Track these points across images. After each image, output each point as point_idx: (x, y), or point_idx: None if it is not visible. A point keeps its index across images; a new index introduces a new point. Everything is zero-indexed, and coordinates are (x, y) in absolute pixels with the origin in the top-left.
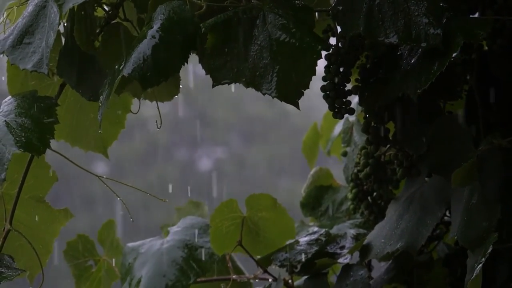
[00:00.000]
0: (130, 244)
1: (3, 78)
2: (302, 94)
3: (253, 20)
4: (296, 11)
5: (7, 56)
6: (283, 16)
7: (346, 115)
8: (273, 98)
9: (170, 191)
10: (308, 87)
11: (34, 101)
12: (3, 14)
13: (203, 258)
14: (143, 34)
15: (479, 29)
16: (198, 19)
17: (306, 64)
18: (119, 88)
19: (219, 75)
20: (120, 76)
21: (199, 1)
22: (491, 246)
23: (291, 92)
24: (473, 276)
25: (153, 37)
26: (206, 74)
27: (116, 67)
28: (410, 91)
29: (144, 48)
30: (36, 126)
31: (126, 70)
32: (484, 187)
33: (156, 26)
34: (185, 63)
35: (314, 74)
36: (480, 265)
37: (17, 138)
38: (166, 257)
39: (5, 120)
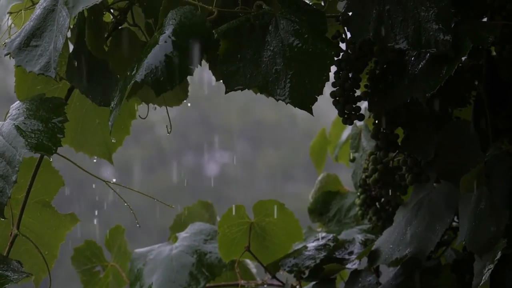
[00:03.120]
0: (138, 250)
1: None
2: (316, 99)
3: (265, 26)
4: (309, 17)
5: (13, 58)
6: (295, 22)
7: (354, 121)
8: (286, 104)
9: (178, 196)
10: (321, 93)
11: (42, 102)
12: (8, 18)
13: (212, 263)
14: (155, 39)
15: (487, 33)
16: (209, 24)
17: (319, 70)
18: (130, 94)
19: (232, 81)
20: (132, 82)
21: (210, 7)
22: (500, 252)
23: (304, 98)
24: (482, 282)
25: (165, 42)
26: (218, 80)
27: (128, 73)
28: (419, 95)
29: (156, 53)
30: (46, 126)
31: (139, 76)
32: (493, 193)
33: (168, 31)
34: (199, 66)
35: (328, 79)
36: (489, 272)
37: (28, 140)
38: (175, 263)
39: (14, 123)
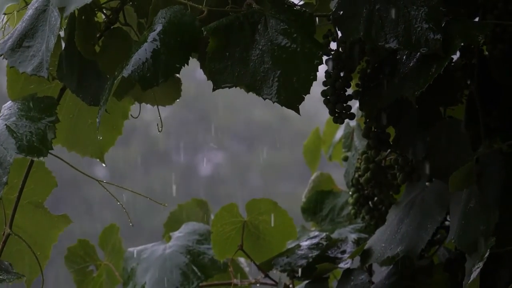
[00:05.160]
0: (131, 249)
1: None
2: (303, 99)
3: (254, 25)
4: (298, 17)
5: (6, 59)
6: (284, 21)
7: (347, 120)
8: (273, 103)
9: (172, 195)
10: (308, 92)
11: (34, 102)
12: (3, 18)
13: (206, 264)
14: (144, 37)
15: (477, 31)
16: (199, 23)
17: (307, 70)
18: (121, 93)
19: (219, 78)
20: (119, 77)
21: (200, 6)
22: (488, 250)
23: (291, 97)
24: (471, 280)
25: (154, 40)
26: (208, 78)
27: (117, 72)
28: (408, 93)
29: (144, 50)
30: (37, 127)
31: (126, 72)
32: (483, 191)
33: (157, 29)
34: (186, 65)
35: (315, 79)
36: (478, 270)
37: (19, 142)
38: (169, 263)
39: (5, 124)
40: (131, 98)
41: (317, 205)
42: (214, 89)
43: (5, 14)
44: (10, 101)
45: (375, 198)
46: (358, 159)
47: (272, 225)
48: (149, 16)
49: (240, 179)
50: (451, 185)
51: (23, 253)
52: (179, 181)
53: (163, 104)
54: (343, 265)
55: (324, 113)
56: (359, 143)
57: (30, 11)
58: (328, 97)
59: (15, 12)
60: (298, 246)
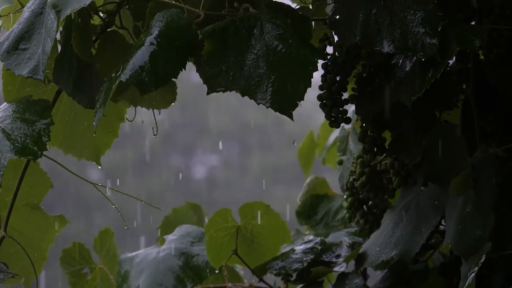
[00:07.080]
0: (126, 253)
1: None
2: (297, 105)
3: (250, 29)
4: (294, 22)
5: (2, 61)
6: (280, 26)
7: (342, 124)
8: (267, 108)
9: (166, 198)
10: (303, 99)
11: (29, 105)
12: None
13: (199, 266)
14: (141, 41)
15: (474, 36)
16: (195, 27)
17: (302, 75)
18: (116, 95)
19: (214, 82)
20: (117, 82)
21: (197, 9)
22: (484, 255)
23: (285, 103)
24: (466, 285)
25: (151, 43)
26: (203, 82)
27: (113, 74)
28: (405, 98)
29: (142, 54)
30: (32, 129)
31: (124, 76)
32: (479, 196)
33: (154, 33)
34: (183, 69)
35: (310, 85)
36: (473, 274)
37: (13, 144)
38: (162, 266)
39: (0, 127)
40: (126, 101)
41: (312, 208)
42: (208, 93)
43: (0, 16)
44: (4, 103)
45: (370, 202)
46: (353, 163)
47: (265, 228)
48: (146, 19)
49: (235, 183)
50: (451, 190)
51: (20, 254)
52: (173, 185)
53: (158, 107)
54: (338, 269)
55: (318, 117)
56: (354, 147)
57: (26, 14)
58: (324, 101)
59: (11, 14)
60: (293, 250)
